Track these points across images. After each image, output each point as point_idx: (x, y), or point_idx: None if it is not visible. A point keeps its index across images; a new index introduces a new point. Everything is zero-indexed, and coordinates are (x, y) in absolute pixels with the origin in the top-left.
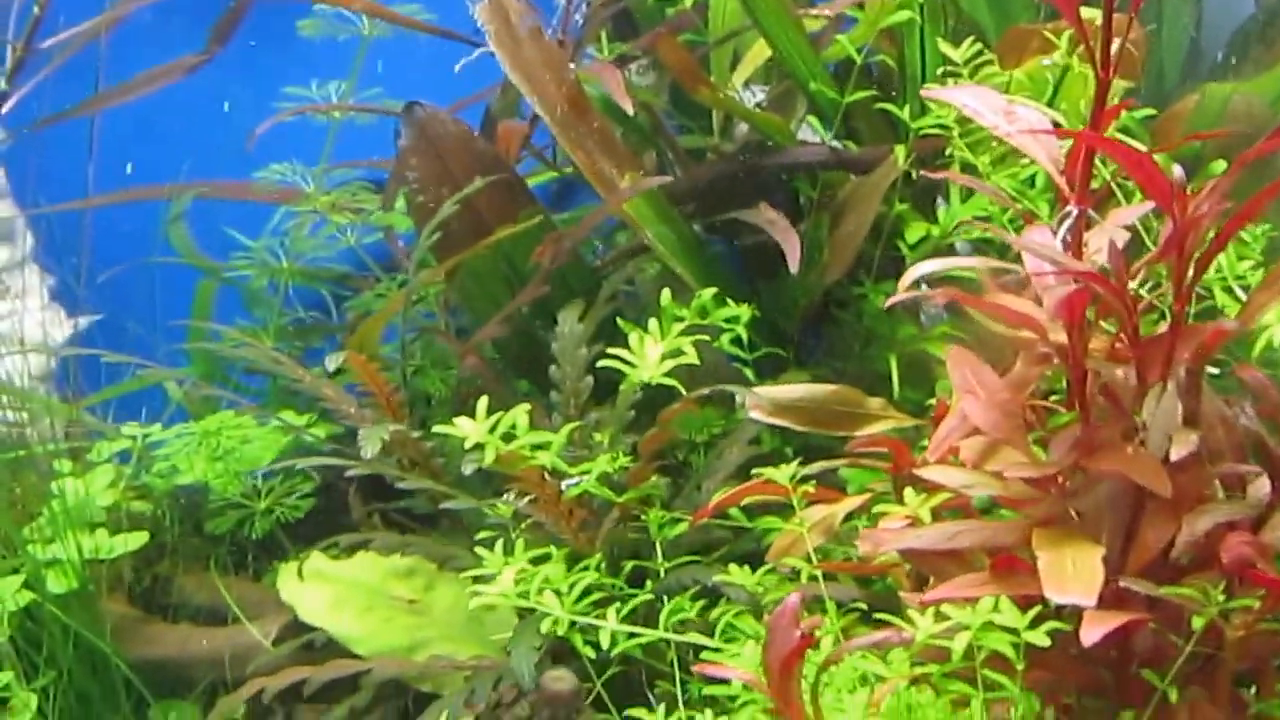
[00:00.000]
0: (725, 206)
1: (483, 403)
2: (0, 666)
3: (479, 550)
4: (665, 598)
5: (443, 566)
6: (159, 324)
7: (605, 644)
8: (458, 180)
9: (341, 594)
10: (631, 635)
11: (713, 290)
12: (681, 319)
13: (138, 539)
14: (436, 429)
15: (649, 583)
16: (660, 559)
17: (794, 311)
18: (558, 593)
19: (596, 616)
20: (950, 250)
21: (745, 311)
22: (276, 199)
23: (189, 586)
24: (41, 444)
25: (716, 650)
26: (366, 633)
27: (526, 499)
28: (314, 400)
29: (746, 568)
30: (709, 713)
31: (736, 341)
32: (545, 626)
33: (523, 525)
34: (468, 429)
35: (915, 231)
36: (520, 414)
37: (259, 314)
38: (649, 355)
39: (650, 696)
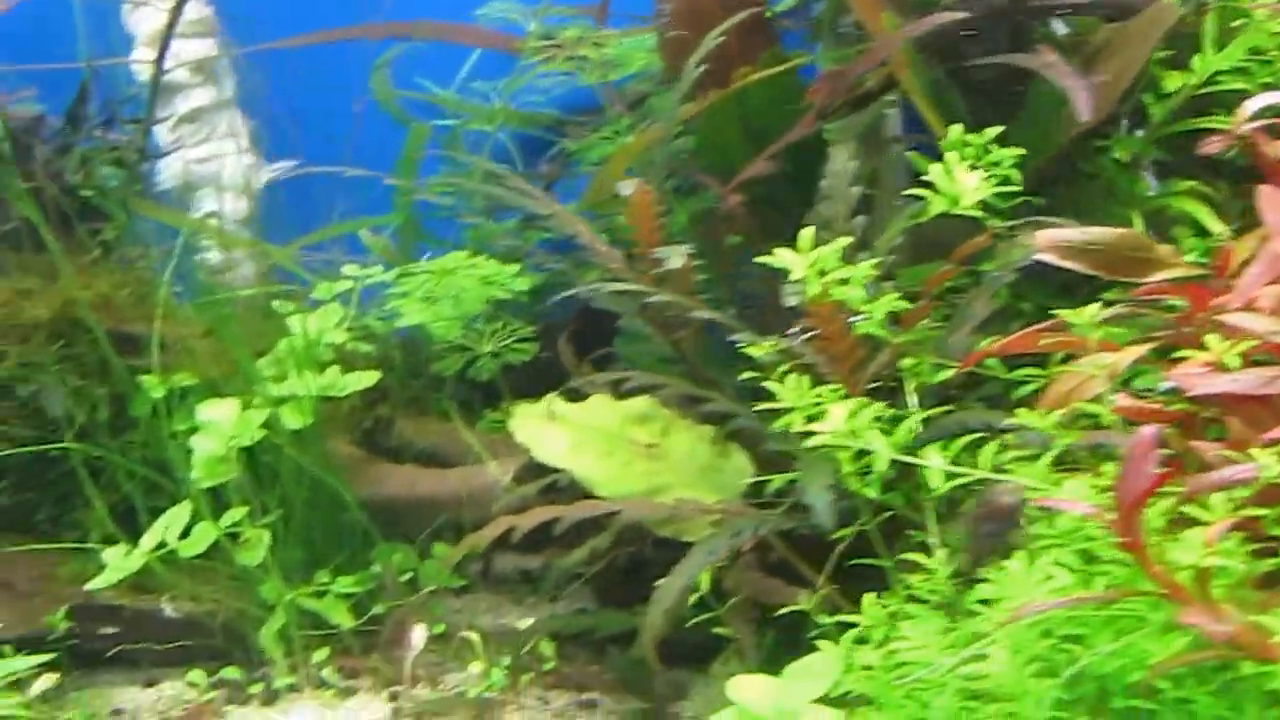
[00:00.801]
0: (976, 51)
1: (806, 233)
2: (231, 503)
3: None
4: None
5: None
6: (357, 171)
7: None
8: (710, 17)
9: (581, 437)
10: (951, 475)
11: (959, 127)
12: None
13: (369, 377)
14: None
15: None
16: (918, 403)
17: (1033, 162)
18: (883, 431)
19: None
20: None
21: (1009, 153)
22: (492, 43)
23: (408, 430)
24: (252, 284)
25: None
26: (607, 476)
27: (806, 336)
28: (511, 251)
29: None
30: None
31: (1004, 183)
32: (880, 464)
33: (788, 365)
34: (791, 261)
35: (1173, 81)
36: (834, 249)
37: (464, 159)
38: (962, 183)
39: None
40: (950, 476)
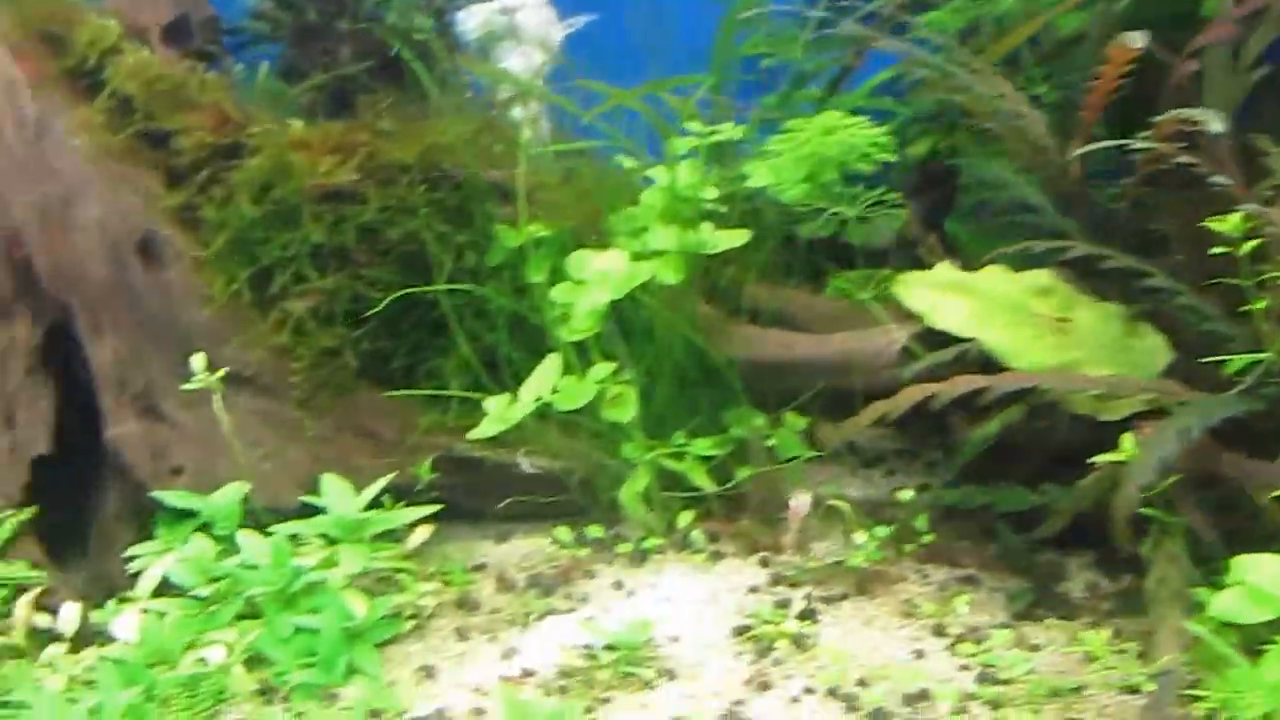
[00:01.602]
0: None
1: None
2: (594, 359)
3: None
4: None
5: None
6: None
7: None
8: None
9: (981, 307)
10: None
11: None
12: None
13: (740, 235)
14: None
15: None
16: None
17: None
18: None
19: None
20: None
21: None
22: None
23: (759, 294)
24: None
25: None
26: (1016, 348)
27: None
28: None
29: None
30: None
31: None
32: None
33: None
34: None
35: None
36: None
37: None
38: None
39: None
40: None
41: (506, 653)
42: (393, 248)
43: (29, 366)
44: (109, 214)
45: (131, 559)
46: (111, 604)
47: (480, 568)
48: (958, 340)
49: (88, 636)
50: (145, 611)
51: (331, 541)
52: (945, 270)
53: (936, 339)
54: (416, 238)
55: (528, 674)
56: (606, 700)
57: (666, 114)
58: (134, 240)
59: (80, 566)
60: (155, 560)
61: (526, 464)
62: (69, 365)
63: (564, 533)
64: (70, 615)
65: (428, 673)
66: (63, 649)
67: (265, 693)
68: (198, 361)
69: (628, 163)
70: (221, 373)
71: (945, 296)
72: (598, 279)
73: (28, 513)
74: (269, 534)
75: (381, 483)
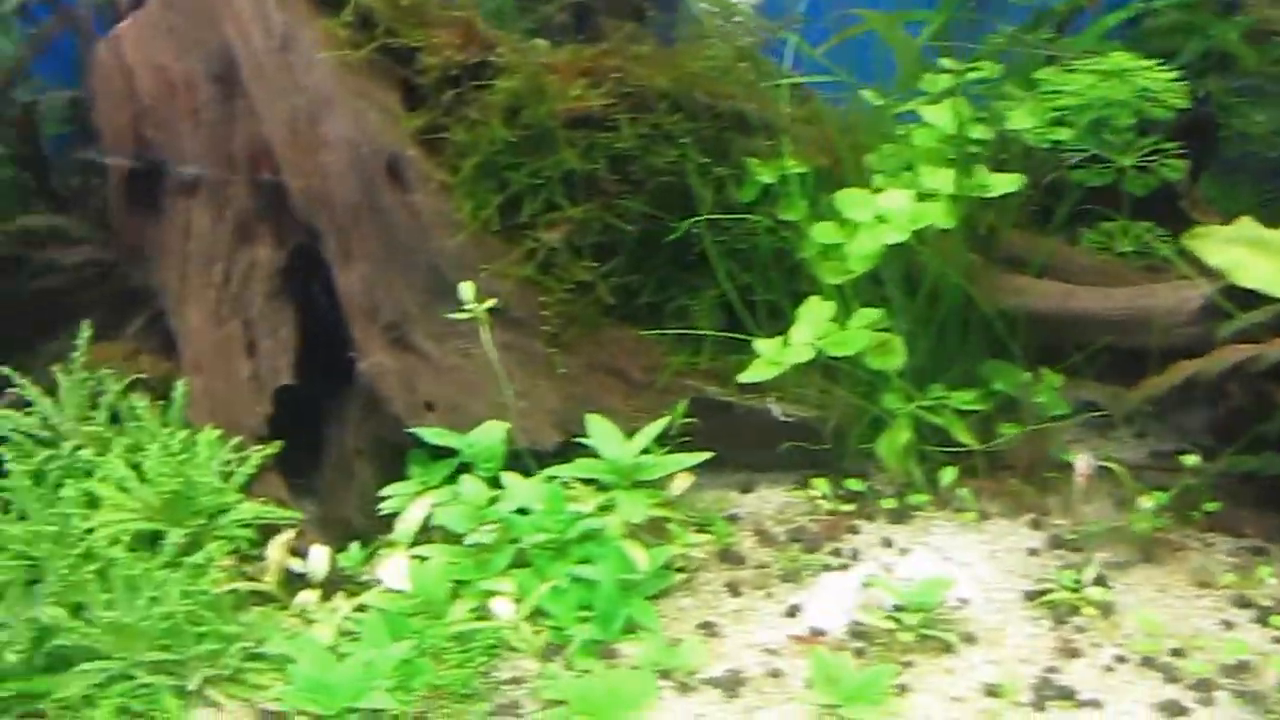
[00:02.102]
0: None
1: None
2: (849, 304)
3: None
4: None
5: None
6: None
7: None
8: None
9: None
10: None
11: None
12: None
13: (1013, 180)
14: None
15: None
16: None
17: None
18: None
19: None
20: None
21: None
22: None
23: (1018, 243)
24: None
25: None
26: None
27: None
28: None
29: None
30: None
31: None
32: None
33: None
34: None
35: None
36: None
37: None
38: None
39: None
40: None
41: (788, 610)
42: (647, 178)
43: (271, 291)
44: (356, 132)
45: (380, 499)
46: (355, 547)
47: (732, 519)
48: (1264, 299)
49: (335, 582)
50: (414, 558)
51: (600, 487)
52: (1248, 225)
53: (1234, 297)
54: (673, 168)
55: (817, 634)
56: (908, 664)
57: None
58: (382, 161)
59: (309, 505)
60: (412, 502)
61: (778, 411)
62: (308, 293)
63: (822, 485)
64: (320, 559)
65: (709, 630)
66: (314, 596)
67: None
68: (466, 290)
69: (875, 99)
70: (490, 303)
71: (1249, 253)
72: (883, 218)
73: (273, 447)
74: (529, 477)
75: (658, 425)
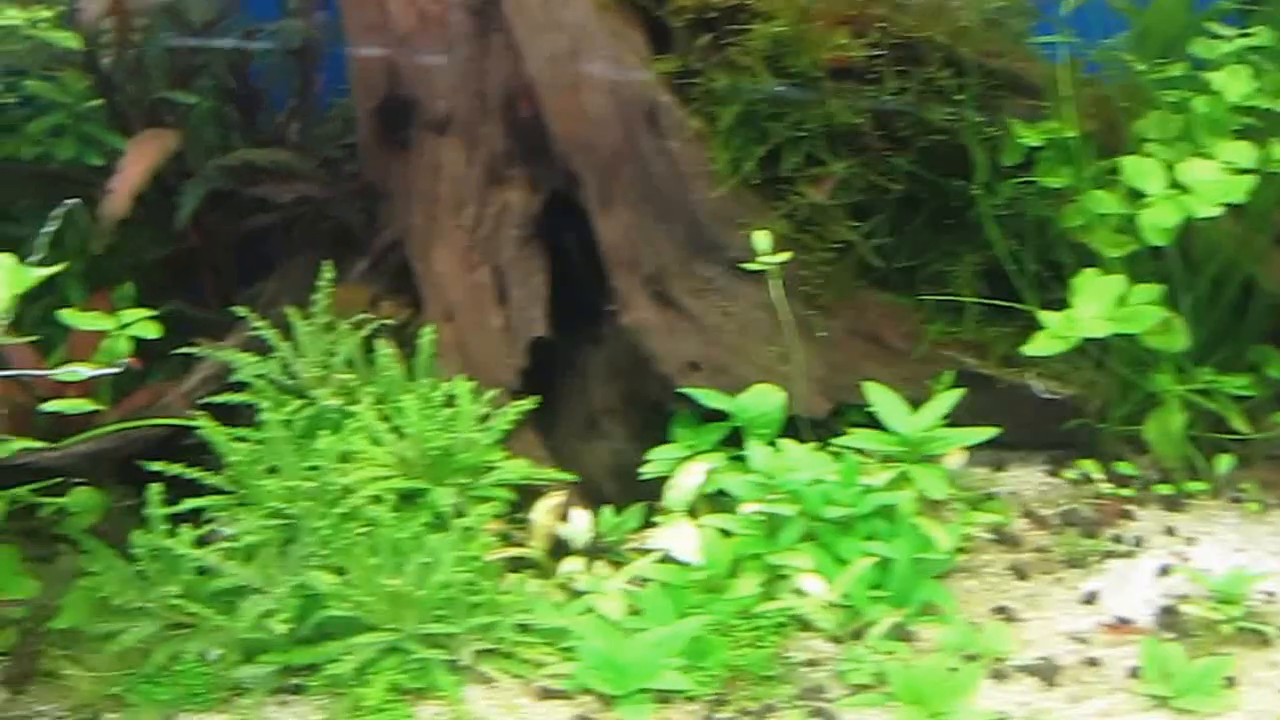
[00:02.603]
0: None
1: None
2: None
3: None
4: None
5: None
6: None
7: None
8: None
9: None
10: None
11: None
12: None
13: None
14: None
15: None
16: None
17: None
18: None
19: None
20: None
21: None
22: None
23: None
24: None
25: None
26: None
27: None
28: None
29: None
30: None
31: None
32: None
33: None
34: None
35: None
36: None
37: None
38: None
39: None
40: None
41: (1085, 597)
42: (914, 136)
43: (523, 237)
44: (616, 73)
45: (631, 462)
46: (607, 512)
47: (990, 498)
48: None
49: (595, 549)
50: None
51: (884, 460)
52: None
53: None
54: (941, 126)
55: (1124, 623)
56: (1228, 657)
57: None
58: (641, 104)
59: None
60: (681, 467)
61: (1040, 387)
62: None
63: (1089, 466)
64: (582, 524)
65: (1005, 615)
66: (579, 564)
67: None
68: (761, 239)
69: (1137, 64)
70: (786, 256)
71: None
72: (1186, 189)
73: (530, 402)
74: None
75: (948, 399)
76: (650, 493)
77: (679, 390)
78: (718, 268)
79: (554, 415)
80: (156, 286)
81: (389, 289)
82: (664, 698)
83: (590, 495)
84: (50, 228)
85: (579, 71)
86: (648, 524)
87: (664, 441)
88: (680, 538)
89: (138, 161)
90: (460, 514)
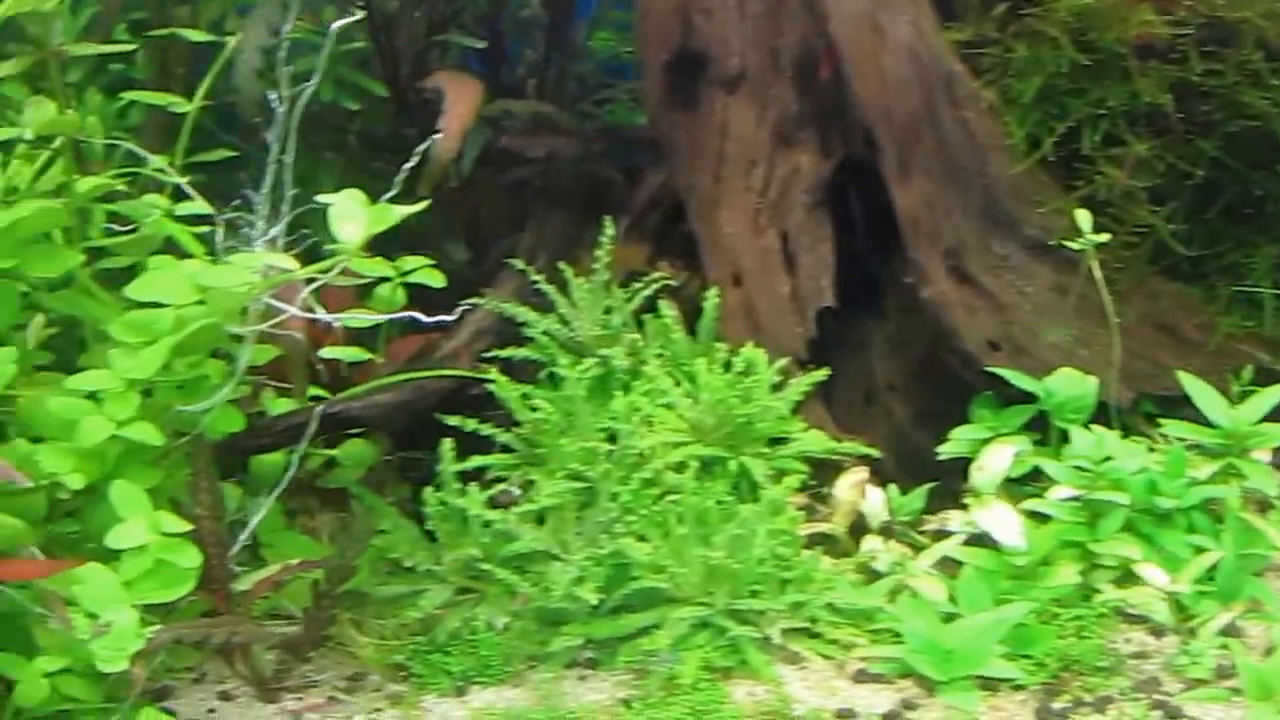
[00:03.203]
0: None
1: None
2: None
3: None
4: None
5: None
6: None
7: None
8: None
9: None
10: None
11: None
12: None
13: None
14: None
15: None
16: None
17: None
18: None
19: None
20: None
21: None
22: None
23: None
24: None
25: None
26: None
27: None
28: None
29: None
30: None
31: None
32: None
33: None
34: None
35: None
36: None
37: None
38: None
39: None
40: None
41: None
42: (1221, 120)
43: (812, 203)
44: (916, 39)
45: (924, 440)
46: (899, 491)
47: None
48: None
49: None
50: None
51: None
52: None
53: None
54: (1252, 111)
55: None
56: None
57: None
58: (939, 72)
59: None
60: (985, 449)
61: None
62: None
63: None
64: (880, 502)
65: None
66: (880, 543)
67: (1140, 619)
68: (1083, 219)
69: None
70: (1103, 237)
71: None
72: None
73: (821, 373)
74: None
75: (1274, 394)
76: (928, 472)
77: (986, 369)
78: (1013, 245)
79: (828, 387)
80: (413, 236)
81: (654, 250)
82: (988, 685)
83: (871, 472)
84: (410, 164)
85: (882, 33)
86: (931, 506)
87: (946, 420)
88: (1001, 521)
89: (461, 102)
90: (761, 485)
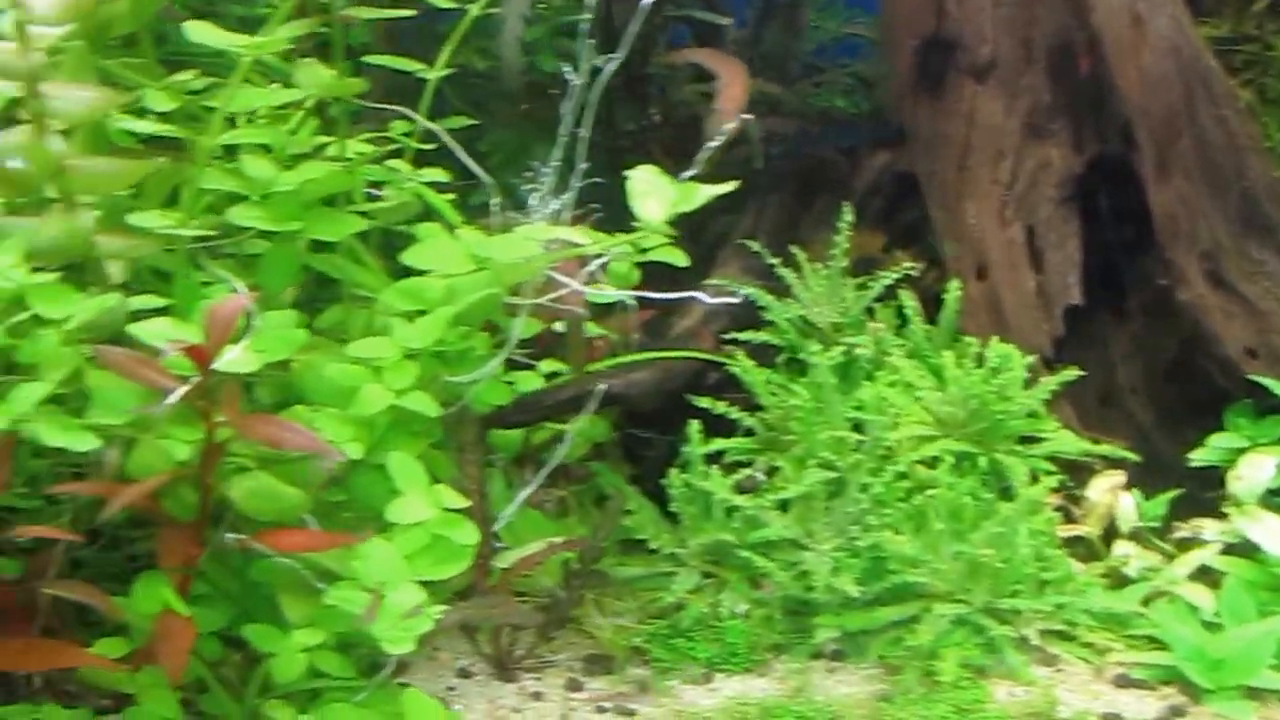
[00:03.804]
0: None
1: None
2: None
3: None
4: None
5: None
6: None
7: None
8: None
9: None
10: None
11: None
12: None
13: None
14: None
15: None
16: None
17: None
18: None
19: None
20: None
21: None
22: None
23: None
24: None
25: None
26: None
27: None
28: None
29: None
30: None
31: None
32: None
33: None
34: None
35: None
36: None
37: None
38: None
39: None
40: None
41: None
42: None
43: (1061, 198)
44: (1177, 35)
45: (1168, 445)
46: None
47: None
48: None
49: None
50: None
51: None
52: None
53: None
54: None
55: None
56: None
57: None
58: (1198, 69)
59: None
60: (1243, 459)
61: None
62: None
63: None
64: (1131, 507)
65: None
66: (1132, 548)
67: None
68: None
69: None
70: None
71: None
72: None
73: (1071, 372)
74: None
75: None
76: (1169, 477)
77: (1247, 378)
78: (1270, 251)
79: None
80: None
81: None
82: (1256, 695)
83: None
84: (715, 142)
85: (1143, 26)
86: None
87: (1189, 426)
88: (1272, 533)
89: (735, 81)
90: (1016, 483)
